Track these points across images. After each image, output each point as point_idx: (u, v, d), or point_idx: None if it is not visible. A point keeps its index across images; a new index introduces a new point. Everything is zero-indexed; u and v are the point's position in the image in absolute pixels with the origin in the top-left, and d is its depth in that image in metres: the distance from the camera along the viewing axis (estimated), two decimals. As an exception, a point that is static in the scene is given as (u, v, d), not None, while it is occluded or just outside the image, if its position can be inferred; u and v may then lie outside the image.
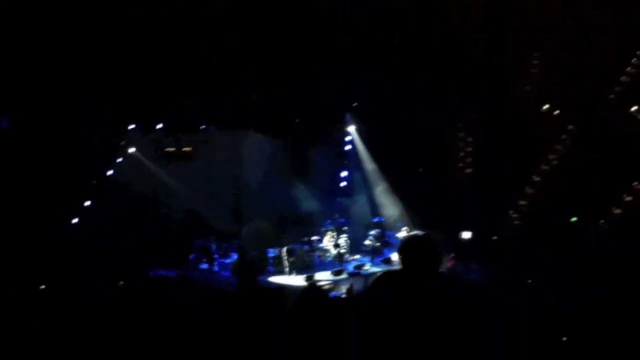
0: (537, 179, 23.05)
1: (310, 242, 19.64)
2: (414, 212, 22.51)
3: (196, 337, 9.49)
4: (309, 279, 17.23)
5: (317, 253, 19.54)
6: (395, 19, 18.85)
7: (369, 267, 18.65)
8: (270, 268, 18.35)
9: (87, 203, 15.97)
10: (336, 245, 19.44)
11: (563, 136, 23.22)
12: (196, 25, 16.59)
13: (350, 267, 18.51)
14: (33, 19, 14.50)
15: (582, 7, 21.39)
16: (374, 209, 22.59)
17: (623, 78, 23.38)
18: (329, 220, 21.06)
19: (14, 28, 14.19)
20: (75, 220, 15.49)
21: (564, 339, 10.63)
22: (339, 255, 19.20)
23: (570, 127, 23.14)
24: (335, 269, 18.11)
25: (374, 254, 19.53)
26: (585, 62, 22.35)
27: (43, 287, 12.95)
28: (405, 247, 4.82)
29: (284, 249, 18.46)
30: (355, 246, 19.85)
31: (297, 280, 17.35)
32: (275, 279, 17.59)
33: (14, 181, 14.11)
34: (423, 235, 5.22)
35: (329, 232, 19.97)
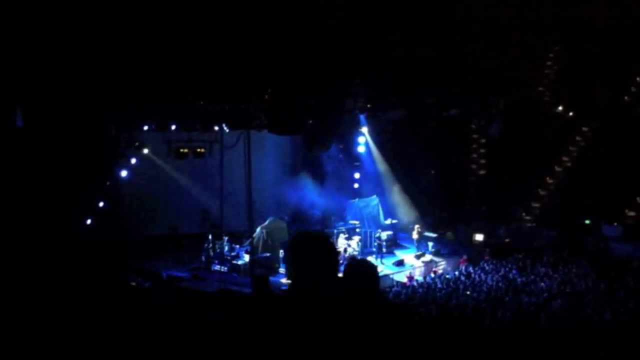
0: (550, 181, 22.94)
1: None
2: (426, 213, 22.50)
3: (207, 338, 9.55)
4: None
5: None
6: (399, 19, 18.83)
7: (381, 269, 18.53)
8: (283, 269, 18.33)
9: (101, 204, 16.08)
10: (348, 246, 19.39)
11: (577, 138, 23.10)
12: (208, 26, 16.66)
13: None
14: (51, 22, 14.63)
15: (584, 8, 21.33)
16: (387, 210, 22.55)
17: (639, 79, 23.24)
18: (341, 222, 21.06)
19: (32, 29, 14.32)
20: (89, 221, 15.60)
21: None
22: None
23: (584, 129, 23.02)
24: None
25: (382, 254, 19.50)
26: (597, 63, 22.25)
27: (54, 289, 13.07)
28: (295, 250, 3.48)
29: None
30: (368, 247, 19.84)
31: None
32: (287, 281, 17.55)
33: (28, 182, 14.23)
34: (315, 233, 3.88)
35: (342, 234, 19.92)
